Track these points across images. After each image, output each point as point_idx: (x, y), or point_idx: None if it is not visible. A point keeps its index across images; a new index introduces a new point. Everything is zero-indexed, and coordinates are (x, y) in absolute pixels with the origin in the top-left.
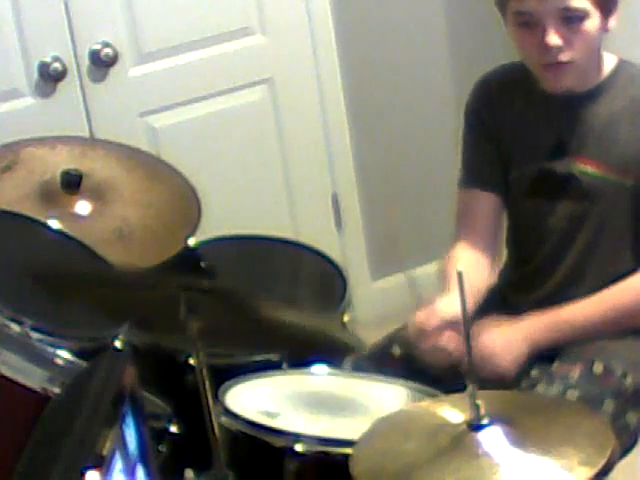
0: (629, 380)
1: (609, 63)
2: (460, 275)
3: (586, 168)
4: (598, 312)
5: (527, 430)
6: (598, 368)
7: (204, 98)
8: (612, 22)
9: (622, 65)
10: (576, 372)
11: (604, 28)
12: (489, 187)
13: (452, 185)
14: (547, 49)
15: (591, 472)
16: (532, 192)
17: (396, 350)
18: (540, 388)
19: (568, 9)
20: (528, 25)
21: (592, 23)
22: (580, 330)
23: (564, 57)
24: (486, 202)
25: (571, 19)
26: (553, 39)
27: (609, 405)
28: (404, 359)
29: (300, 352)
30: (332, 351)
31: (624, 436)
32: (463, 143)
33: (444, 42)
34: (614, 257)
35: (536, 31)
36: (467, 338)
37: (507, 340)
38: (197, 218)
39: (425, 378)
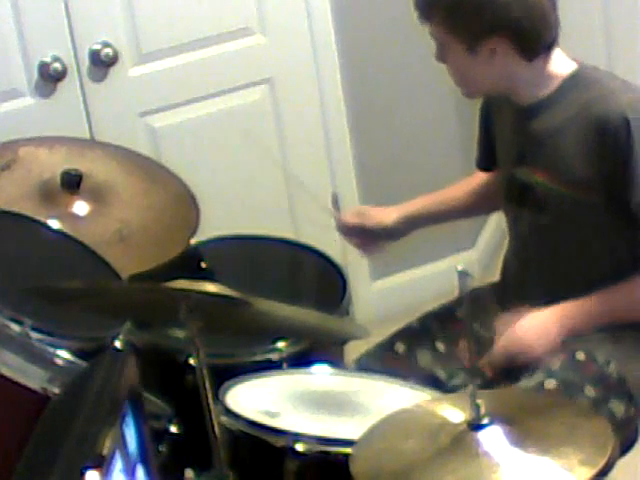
0: (612, 368)
1: (564, 71)
2: (460, 275)
3: (540, 178)
4: (624, 300)
5: (527, 430)
6: (580, 357)
7: (204, 98)
8: (498, 60)
9: (580, 72)
10: (557, 362)
11: (485, 62)
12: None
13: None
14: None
15: (591, 472)
16: (507, 198)
17: (400, 347)
18: (523, 381)
19: (431, 35)
20: None
21: (454, 53)
22: (608, 316)
23: (449, 73)
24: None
25: (439, 44)
26: (435, 56)
27: (590, 391)
28: (408, 356)
29: (301, 343)
30: (333, 340)
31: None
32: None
33: None
34: (580, 270)
35: None
36: (468, 338)
37: (543, 325)
38: (195, 221)
39: (428, 376)
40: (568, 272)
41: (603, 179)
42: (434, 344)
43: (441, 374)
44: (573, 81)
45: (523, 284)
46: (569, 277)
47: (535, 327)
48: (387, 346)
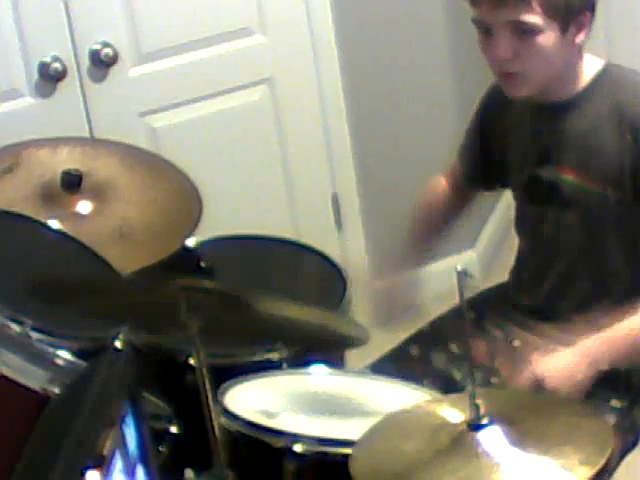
0: (635, 378)
1: (593, 68)
2: (460, 275)
3: (568, 177)
4: None
5: (527, 430)
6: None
7: (204, 98)
8: (580, 37)
9: (608, 70)
10: None
11: (568, 42)
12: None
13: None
14: (498, 59)
15: (591, 471)
16: (525, 199)
17: (414, 350)
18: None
19: (519, 22)
20: (485, 32)
21: (547, 38)
22: (635, 346)
23: (513, 68)
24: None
25: (523, 32)
26: (501, 51)
27: (616, 404)
28: (423, 359)
29: (302, 345)
30: (334, 344)
31: (631, 434)
32: (467, 127)
33: (444, 42)
34: (603, 267)
35: (491, 39)
36: (467, 338)
37: (568, 365)
38: (198, 217)
39: (444, 377)
40: (594, 270)
41: (634, 177)
42: (448, 345)
43: (456, 375)
44: (602, 79)
45: (544, 284)
46: (595, 275)
47: (560, 370)
48: (401, 350)
